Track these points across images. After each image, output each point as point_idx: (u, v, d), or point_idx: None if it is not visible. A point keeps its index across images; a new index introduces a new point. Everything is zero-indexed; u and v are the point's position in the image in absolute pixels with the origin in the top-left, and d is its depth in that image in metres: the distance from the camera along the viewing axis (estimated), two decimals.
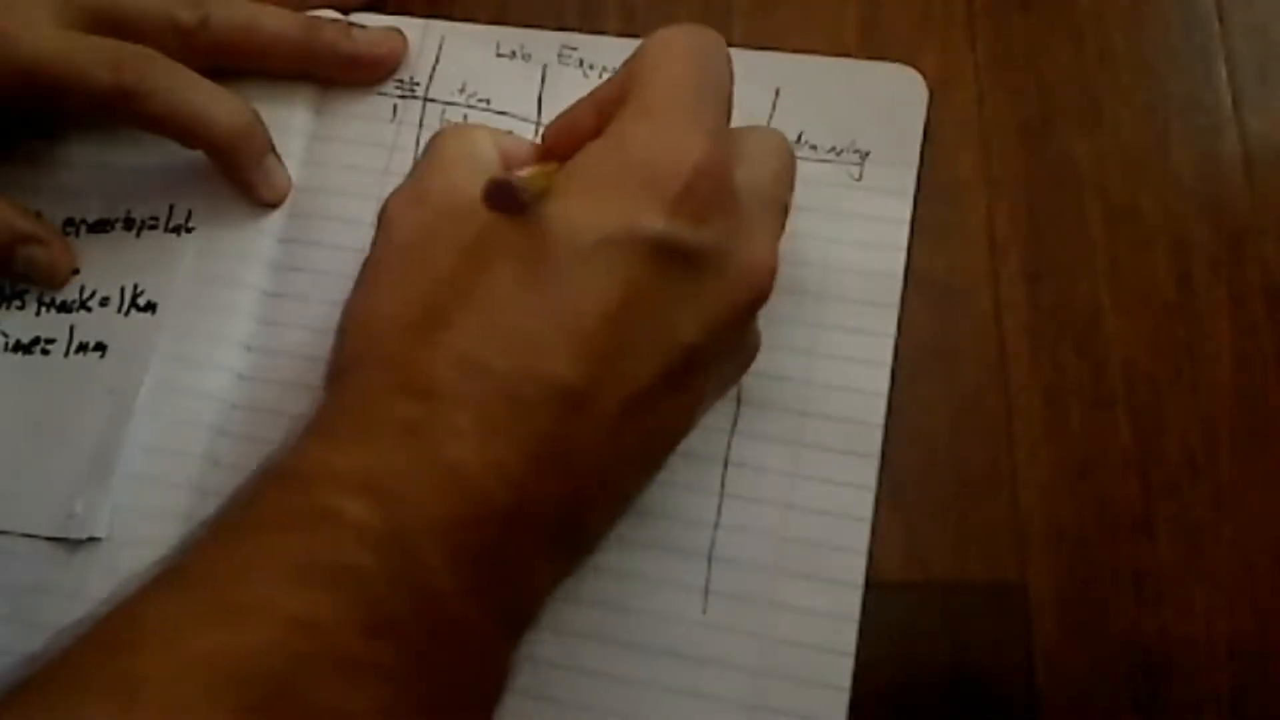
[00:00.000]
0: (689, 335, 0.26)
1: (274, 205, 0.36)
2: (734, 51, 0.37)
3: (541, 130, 0.31)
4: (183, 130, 0.34)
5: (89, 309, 0.36)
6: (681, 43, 0.28)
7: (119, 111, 0.34)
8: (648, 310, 0.25)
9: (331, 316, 0.34)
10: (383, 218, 0.29)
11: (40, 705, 0.21)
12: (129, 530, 0.33)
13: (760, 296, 0.28)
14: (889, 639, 0.32)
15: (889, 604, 0.32)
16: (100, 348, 0.35)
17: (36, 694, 0.22)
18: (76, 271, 0.36)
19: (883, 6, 0.38)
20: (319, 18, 0.37)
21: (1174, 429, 0.34)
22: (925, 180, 0.35)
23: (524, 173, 0.26)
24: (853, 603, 0.31)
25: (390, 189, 0.36)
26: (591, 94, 0.30)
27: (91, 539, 0.33)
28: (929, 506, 0.33)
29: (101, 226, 0.37)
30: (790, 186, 0.30)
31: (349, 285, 0.35)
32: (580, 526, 0.27)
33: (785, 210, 0.30)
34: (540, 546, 0.26)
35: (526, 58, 0.37)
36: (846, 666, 0.31)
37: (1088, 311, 0.35)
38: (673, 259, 0.25)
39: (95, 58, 0.33)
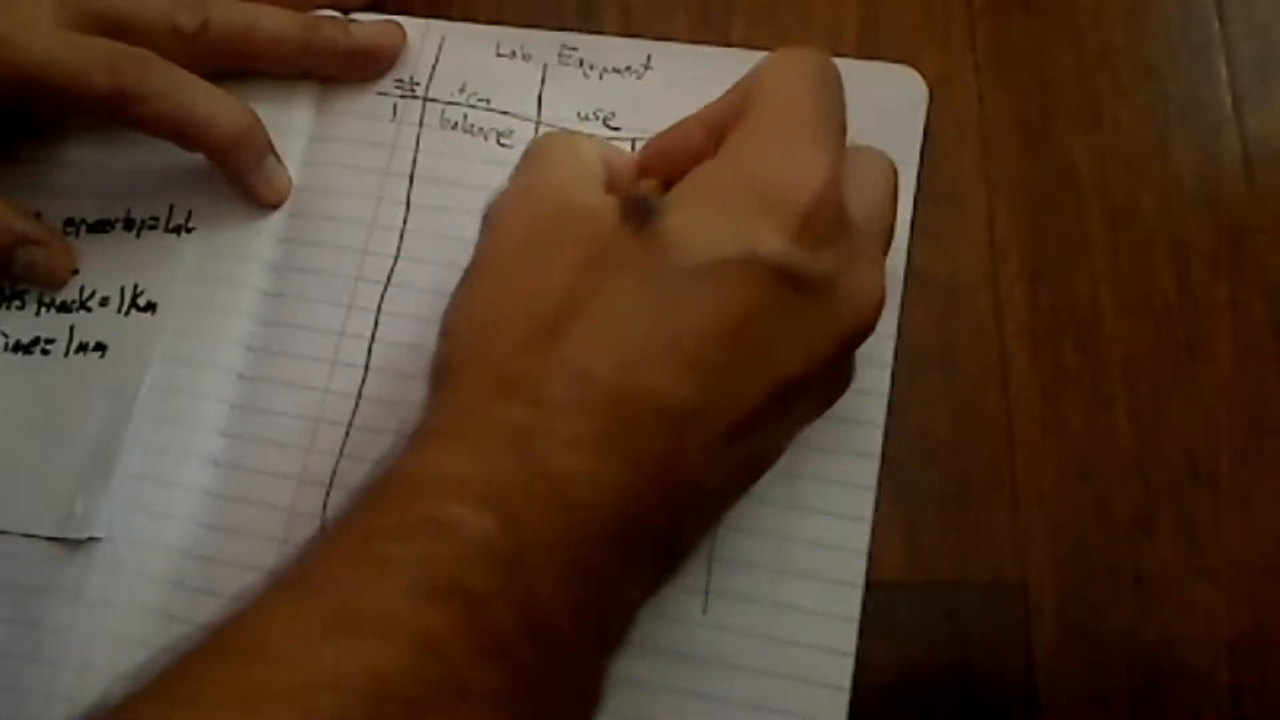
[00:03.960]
0: (794, 363, 0.26)
1: (274, 207, 0.36)
2: (734, 51, 0.37)
3: (639, 146, 0.31)
4: (182, 133, 0.34)
5: (89, 309, 0.35)
6: (801, 65, 0.28)
7: (117, 114, 0.33)
8: (759, 335, 0.25)
9: (332, 316, 0.35)
10: (489, 219, 0.29)
11: (157, 717, 0.21)
12: (129, 530, 0.33)
13: (866, 328, 0.27)
14: (889, 639, 0.32)
15: (889, 604, 0.32)
16: (100, 348, 0.35)
17: (153, 706, 0.21)
18: (76, 272, 0.36)
19: (883, 6, 0.38)
20: (318, 16, 0.37)
21: (1174, 429, 0.34)
22: (925, 180, 0.35)
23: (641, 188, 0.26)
24: (853, 603, 0.31)
25: (390, 189, 0.36)
26: (699, 114, 0.29)
27: (91, 539, 0.33)
28: (929, 506, 0.33)
29: (101, 226, 0.37)
30: (895, 213, 0.29)
31: (349, 285, 0.35)
32: (674, 547, 0.27)
33: (891, 237, 0.29)
34: (638, 566, 0.25)
35: (526, 58, 0.37)
36: (846, 666, 0.31)
37: (1088, 311, 0.35)
38: (788, 285, 0.25)
39: (93, 60, 0.33)
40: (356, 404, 0.34)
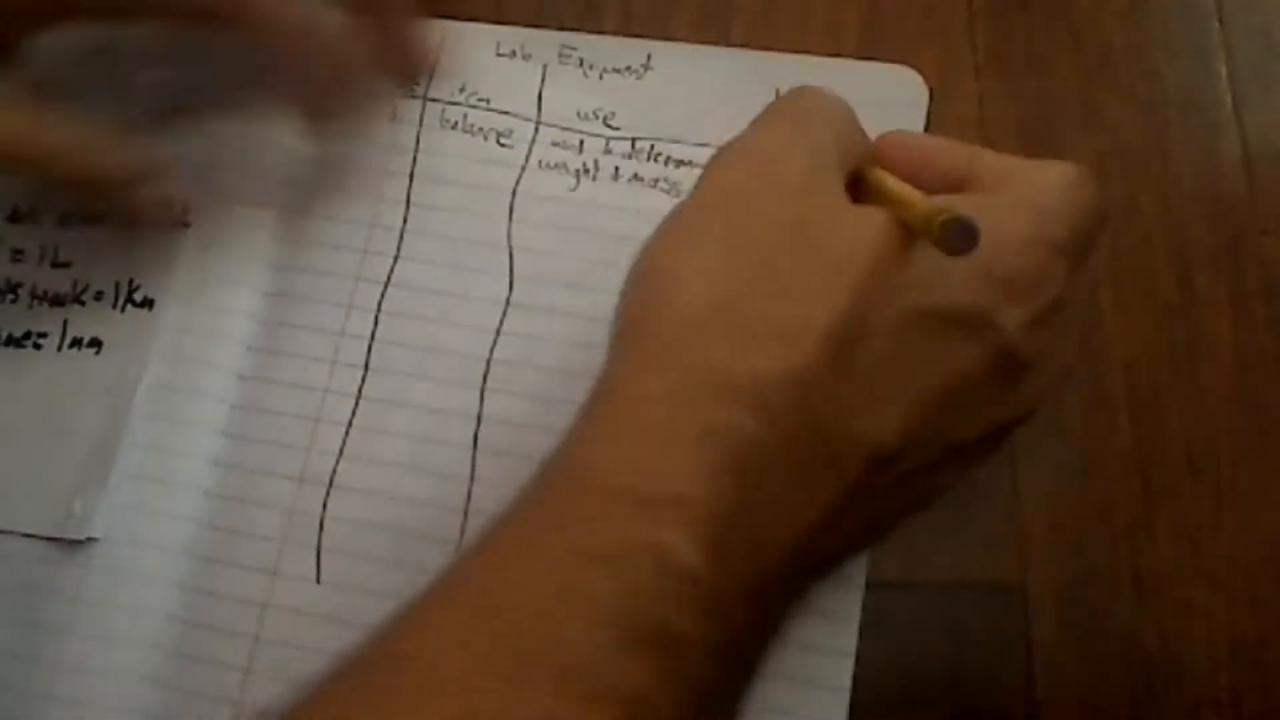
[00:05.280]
0: (973, 431, 0.26)
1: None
2: (734, 51, 0.37)
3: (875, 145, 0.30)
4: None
5: (82, 303, 0.35)
6: (1084, 193, 0.28)
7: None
8: (966, 396, 0.25)
9: (332, 316, 0.35)
10: (708, 166, 0.27)
11: None
12: (128, 530, 0.33)
13: (1044, 406, 0.28)
14: (889, 639, 0.32)
15: (889, 604, 0.32)
16: (95, 344, 0.35)
17: None
18: (69, 266, 0.36)
19: (883, 6, 0.38)
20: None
21: (1174, 429, 0.34)
22: None
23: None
24: (853, 603, 0.31)
25: (390, 189, 0.36)
26: (942, 150, 0.29)
27: (90, 539, 0.32)
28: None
29: (96, 219, 0.36)
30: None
31: (349, 285, 0.35)
32: (813, 582, 0.27)
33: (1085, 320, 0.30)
34: (794, 600, 0.25)
35: (527, 57, 0.37)
36: (846, 666, 0.31)
37: (1087, 311, 0.35)
38: (1004, 365, 0.26)
39: None
40: (356, 404, 0.34)
